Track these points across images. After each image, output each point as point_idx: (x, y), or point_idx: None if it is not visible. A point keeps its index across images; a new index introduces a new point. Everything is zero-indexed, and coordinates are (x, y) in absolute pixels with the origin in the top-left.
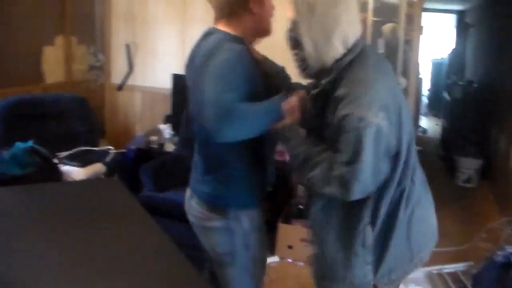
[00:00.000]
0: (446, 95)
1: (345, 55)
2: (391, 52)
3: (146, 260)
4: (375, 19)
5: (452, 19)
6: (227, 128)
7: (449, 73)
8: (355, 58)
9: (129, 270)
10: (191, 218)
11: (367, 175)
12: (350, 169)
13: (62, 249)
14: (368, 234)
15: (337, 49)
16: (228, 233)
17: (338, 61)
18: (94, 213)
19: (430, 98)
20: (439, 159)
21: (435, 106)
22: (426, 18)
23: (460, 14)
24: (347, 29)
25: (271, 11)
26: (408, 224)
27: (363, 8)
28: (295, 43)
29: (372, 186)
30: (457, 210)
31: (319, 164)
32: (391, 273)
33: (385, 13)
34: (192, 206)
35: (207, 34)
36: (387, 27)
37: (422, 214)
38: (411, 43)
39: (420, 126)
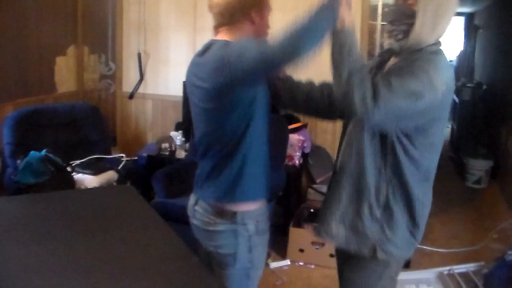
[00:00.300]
0: (455, 97)
1: (434, 45)
2: None
3: (163, 264)
4: (384, 23)
5: (461, 21)
6: (298, 49)
7: (458, 75)
8: (434, 52)
9: (146, 274)
10: (195, 222)
11: (399, 103)
12: (393, 83)
13: (78, 256)
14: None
15: (434, 37)
16: (233, 235)
17: (428, 47)
18: (109, 219)
19: None
20: (449, 161)
21: None
22: None
23: (469, 17)
24: (446, 25)
25: (267, 28)
26: None
27: (373, 16)
28: (402, 15)
29: (395, 120)
30: (467, 211)
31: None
32: None
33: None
34: (198, 211)
35: (208, 47)
36: None
37: None
38: None
39: None
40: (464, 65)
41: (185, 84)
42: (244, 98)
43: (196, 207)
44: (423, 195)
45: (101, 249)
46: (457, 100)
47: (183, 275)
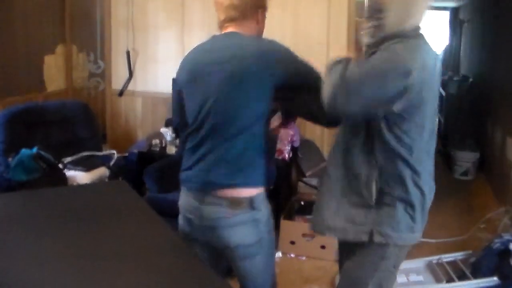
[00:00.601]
0: (442, 91)
1: (410, 32)
2: None
3: (158, 257)
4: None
5: (446, 15)
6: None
7: (444, 69)
8: (412, 37)
9: (141, 268)
10: (206, 223)
11: (369, 88)
12: (362, 69)
13: (72, 250)
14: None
15: (410, 25)
16: (254, 223)
17: (399, 37)
18: (103, 214)
19: None
20: (437, 153)
21: None
22: None
23: (454, 11)
24: (422, 12)
25: (263, 30)
26: None
27: (360, 14)
28: (374, 12)
29: (362, 102)
30: (455, 202)
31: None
32: None
33: None
34: (207, 209)
35: (227, 36)
36: None
37: None
38: None
39: None
40: (450, 59)
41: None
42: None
43: (204, 206)
44: (418, 178)
45: (96, 243)
46: (443, 93)
47: (178, 267)
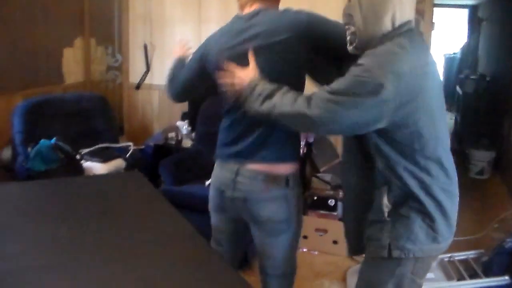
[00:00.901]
0: (458, 89)
1: (390, 32)
2: None
3: (171, 245)
4: None
5: (464, 13)
6: None
7: (461, 68)
8: (396, 35)
9: (154, 255)
10: (238, 194)
11: (342, 114)
12: (332, 96)
13: (87, 236)
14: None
15: (385, 26)
16: (285, 200)
17: (383, 36)
18: (117, 203)
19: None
20: (452, 152)
21: (448, 101)
22: (439, 13)
23: (473, 9)
24: (397, 9)
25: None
26: None
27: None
28: (348, 18)
29: (340, 128)
30: (469, 201)
31: (286, 94)
32: None
33: None
34: (242, 182)
35: (255, 14)
36: None
37: None
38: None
39: None
40: (468, 58)
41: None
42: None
43: (239, 178)
44: (429, 187)
45: (110, 230)
46: (460, 92)
47: (190, 257)
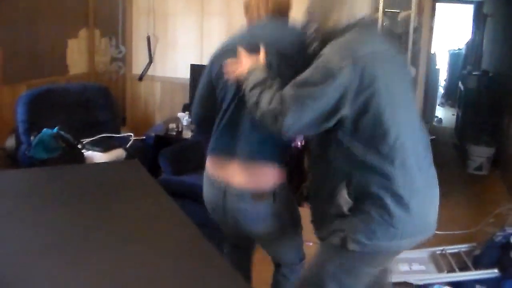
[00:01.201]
0: (460, 85)
1: (348, 26)
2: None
3: (164, 234)
4: (387, 10)
5: (470, 9)
6: None
7: (465, 64)
8: (352, 28)
9: (147, 243)
10: (229, 216)
11: (309, 105)
12: (298, 91)
13: (82, 222)
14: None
15: (343, 19)
16: (276, 216)
17: (342, 30)
18: (114, 191)
19: (446, 88)
20: (453, 148)
21: (451, 97)
22: (445, 9)
23: (478, 5)
24: (354, 4)
25: None
26: None
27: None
28: (310, 15)
29: (305, 127)
30: (467, 196)
31: (266, 91)
32: None
33: (398, 2)
34: (232, 202)
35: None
36: (402, 15)
37: None
38: (420, 32)
39: (436, 116)
40: (472, 54)
41: (192, 67)
42: None
43: (228, 199)
44: (391, 183)
45: (106, 216)
46: (462, 87)
47: (184, 245)
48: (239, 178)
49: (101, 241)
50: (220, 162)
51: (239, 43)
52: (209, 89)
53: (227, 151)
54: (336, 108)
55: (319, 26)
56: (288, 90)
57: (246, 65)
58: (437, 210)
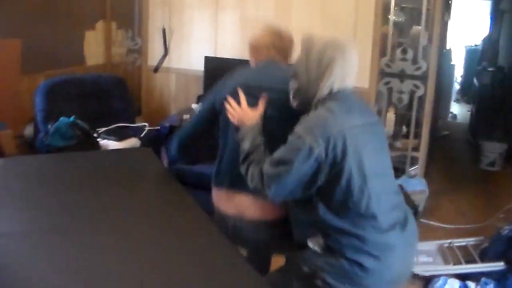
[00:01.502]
0: (475, 81)
1: (325, 98)
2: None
3: (170, 216)
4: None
5: (487, 5)
6: None
7: (481, 60)
8: (329, 100)
9: (154, 225)
10: (240, 240)
11: (287, 181)
12: (274, 170)
13: (94, 205)
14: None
15: (323, 90)
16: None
17: (318, 101)
18: (127, 177)
19: (462, 84)
20: (466, 144)
21: (467, 93)
22: (461, 5)
23: (495, 1)
24: (338, 77)
25: None
26: None
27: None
28: (294, 73)
29: (289, 194)
30: (478, 191)
31: (257, 161)
32: None
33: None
34: (246, 230)
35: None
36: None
37: None
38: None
39: (451, 112)
40: (489, 50)
41: (206, 59)
42: None
43: (242, 229)
44: (364, 243)
45: (116, 200)
46: (476, 83)
47: (190, 227)
48: (252, 210)
49: (112, 224)
50: (227, 195)
51: (246, 82)
52: (210, 111)
53: (234, 184)
54: (313, 179)
55: (300, 87)
56: (266, 168)
57: (245, 118)
58: (412, 261)
